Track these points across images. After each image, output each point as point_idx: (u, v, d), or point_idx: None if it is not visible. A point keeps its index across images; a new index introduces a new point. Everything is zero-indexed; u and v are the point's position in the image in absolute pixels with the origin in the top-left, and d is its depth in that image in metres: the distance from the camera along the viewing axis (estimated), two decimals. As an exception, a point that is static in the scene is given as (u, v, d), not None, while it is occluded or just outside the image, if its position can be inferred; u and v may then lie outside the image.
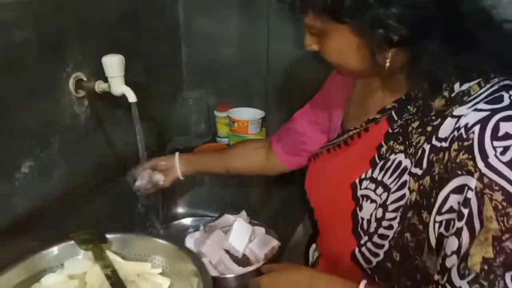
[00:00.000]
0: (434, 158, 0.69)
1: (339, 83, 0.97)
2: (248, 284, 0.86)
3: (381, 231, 0.77)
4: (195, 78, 1.65)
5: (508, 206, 0.60)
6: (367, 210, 0.79)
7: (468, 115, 0.66)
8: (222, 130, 1.61)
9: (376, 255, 0.78)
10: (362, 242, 0.80)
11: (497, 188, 0.61)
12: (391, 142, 0.78)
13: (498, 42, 0.72)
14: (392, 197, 0.76)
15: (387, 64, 0.73)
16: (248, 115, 1.52)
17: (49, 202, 1.14)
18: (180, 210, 1.44)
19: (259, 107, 1.55)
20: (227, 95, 1.62)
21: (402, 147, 0.76)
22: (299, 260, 1.11)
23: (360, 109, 0.89)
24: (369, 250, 0.79)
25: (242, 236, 0.98)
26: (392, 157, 0.77)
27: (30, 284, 0.84)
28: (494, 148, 0.62)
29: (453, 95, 0.71)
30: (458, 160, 0.65)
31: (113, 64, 1.06)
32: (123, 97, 1.09)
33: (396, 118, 0.79)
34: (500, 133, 0.62)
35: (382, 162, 0.79)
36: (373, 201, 0.79)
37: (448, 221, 0.66)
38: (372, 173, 0.80)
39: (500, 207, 0.60)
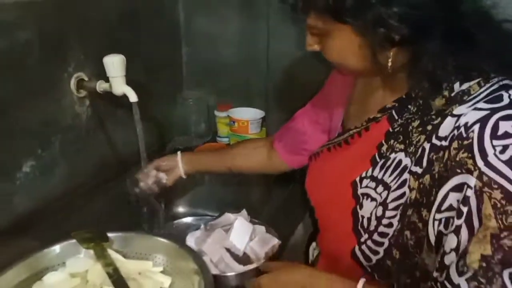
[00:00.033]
0: (434, 156, 0.70)
1: (340, 83, 0.97)
2: (248, 284, 0.86)
3: (381, 229, 0.78)
4: (195, 78, 1.65)
5: (507, 204, 0.60)
6: (368, 208, 0.80)
7: (468, 114, 0.67)
8: (222, 130, 1.62)
9: (376, 253, 0.79)
10: (362, 240, 0.80)
11: (496, 186, 0.61)
12: (392, 141, 0.79)
13: (498, 42, 0.73)
14: (392, 195, 0.76)
15: (389, 64, 0.73)
16: (248, 115, 1.52)
17: (50, 202, 1.15)
18: (181, 209, 1.44)
19: (259, 107, 1.56)
20: (227, 95, 1.62)
21: (402, 146, 0.77)
22: (299, 259, 1.12)
23: (360, 108, 0.90)
24: (369, 248, 0.79)
25: (242, 235, 0.98)
26: (393, 155, 0.78)
27: (32, 282, 0.84)
28: (494, 147, 0.62)
29: (453, 94, 0.72)
30: (457, 159, 0.65)
31: (114, 64, 1.07)
32: (124, 97, 1.10)
33: (396, 117, 0.80)
34: (500, 132, 0.63)
35: (382, 160, 0.79)
36: (373, 199, 0.79)
37: (447, 219, 0.66)
38: (372, 171, 0.80)
39: (499, 205, 0.61)
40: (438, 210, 0.68)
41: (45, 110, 1.10)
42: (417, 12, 0.67)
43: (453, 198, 0.66)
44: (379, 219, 0.78)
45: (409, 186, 0.74)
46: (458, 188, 0.65)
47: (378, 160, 0.80)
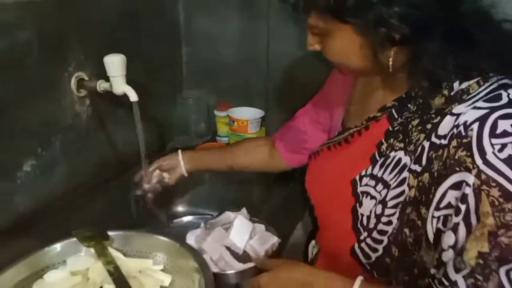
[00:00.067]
0: (433, 155, 0.70)
1: (340, 82, 0.98)
2: (247, 283, 0.87)
3: (380, 227, 0.78)
4: (195, 78, 1.66)
5: (504, 202, 0.61)
6: (367, 206, 0.80)
7: (467, 113, 0.67)
8: (222, 130, 1.62)
9: (375, 250, 0.79)
10: (362, 238, 0.80)
11: (494, 184, 0.62)
12: (391, 140, 0.79)
13: (497, 42, 0.73)
14: (392, 193, 0.77)
15: (390, 63, 0.74)
16: (247, 115, 1.53)
17: (51, 201, 1.15)
18: (181, 208, 1.44)
19: (259, 107, 1.56)
20: (227, 95, 1.62)
21: (402, 145, 0.77)
22: (298, 257, 1.12)
23: (360, 107, 0.90)
24: (368, 245, 0.80)
25: (242, 233, 0.99)
26: (392, 154, 0.78)
27: (33, 280, 0.84)
28: (492, 145, 0.63)
29: (452, 93, 0.72)
30: (456, 157, 0.65)
31: (114, 63, 1.07)
32: (124, 96, 1.10)
33: (396, 116, 0.80)
34: (498, 131, 0.63)
35: (382, 159, 0.80)
36: (373, 197, 0.80)
37: (445, 217, 0.67)
38: (372, 170, 0.81)
39: (496, 203, 0.61)
40: (437, 208, 0.68)
41: (46, 109, 1.10)
42: (417, 11, 0.67)
43: (452, 196, 0.66)
44: (378, 217, 0.78)
45: (408, 184, 0.75)
46: (457, 186, 0.65)
47: (378, 158, 0.81)
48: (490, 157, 0.62)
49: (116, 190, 1.30)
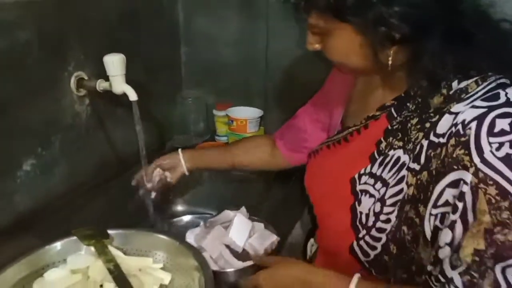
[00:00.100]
0: (432, 153, 0.71)
1: (340, 82, 0.99)
2: (245, 280, 0.87)
3: (379, 224, 0.78)
4: (194, 78, 1.66)
5: (501, 200, 0.61)
6: (366, 204, 0.81)
7: (466, 111, 0.68)
8: (221, 129, 1.62)
9: (373, 248, 0.80)
10: (360, 235, 0.81)
11: (491, 182, 0.62)
12: (390, 138, 0.80)
13: (496, 41, 0.74)
14: (390, 191, 0.77)
15: (390, 62, 0.74)
16: (246, 114, 1.53)
17: (51, 200, 1.15)
18: (180, 208, 1.44)
19: (258, 106, 1.57)
20: (227, 95, 1.63)
21: (401, 143, 0.78)
22: (297, 255, 1.12)
23: (360, 106, 0.91)
24: (367, 243, 0.80)
25: (242, 231, 0.99)
26: (391, 152, 0.79)
27: (34, 279, 0.85)
28: (490, 144, 0.63)
29: (451, 92, 0.73)
30: (454, 155, 0.66)
31: (114, 63, 1.07)
32: (124, 96, 1.10)
33: (395, 115, 0.81)
34: (496, 130, 0.64)
35: (381, 157, 0.80)
36: (371, 195, 0.80)
37: (443, 214, 0.68)
38: (371, 168, 0.81)
39: (493, 201, 0.62)
40: (434, 206, 0.69)
41: (45, 109, 1.10)
42: (417, 11, 0.68)
43: (449, 194, 0.67)
44: (377, 215, 0.79)
45: (407, 183, 0.75)
46: (455, 184, 0.66)
47: (377, 157, 0.81)
48: (487, 155, 0.63)
49: (116, 189, 1.30)
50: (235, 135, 1.53)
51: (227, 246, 0.98)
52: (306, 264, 0.88)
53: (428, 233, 0.70)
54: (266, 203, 1.25)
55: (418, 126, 0.75)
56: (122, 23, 1.31)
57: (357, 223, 0.81)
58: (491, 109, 0.66)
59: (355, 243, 0.82)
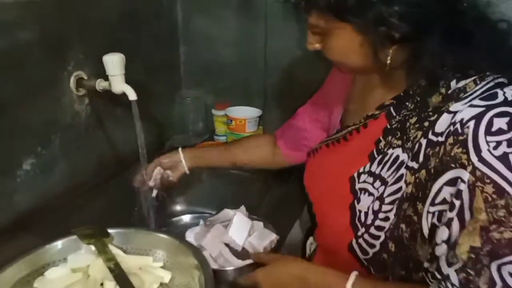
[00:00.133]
0: (430, 152, 0.71)
1: (339, 81, 0.99)
2: (244, 278, 0.88)
3: (378, 222, 0.79)
4: (193, 78, 1.67)
5: (497, 198, 0.62)
6: (365, 203, 0.81)
7: (464, 110, 0.68)
8: (220, 129, 1.63)
9: (372, 246, 0.80)
10: (359, 234, 0.81)
11: (488, 181, 0.62)
12: (389, 137, 0.80)
13: (494, 41, 0.74)
14: (389, 190, 0.78)
15: (388, 61, 0.75)
16: (245, 114, 1.54)
17: (51, 200, 1.15)
18: (179, 207, 1.45)
19: (257, 106, 1.57)
20: (226, 95, 1.63)
21: (399, 142, 0.78)
22: (296, 254, 1.13)
23: (359, 105, 0.91)
24: (366, 241, 0.81)
25: (241, 230, 1.00)
26: (390, 151, 0.79)
27: (34, 277, 0.85)
28: (488, 142, 0.64)
29: (449, 91, 0.73)
30: (452, 154, 0.66)
31: (114, 62, 1.08)
32: (123, 95, 1.10)
33: (394, 114, 0.81)
34: (494, 129, 0.64)
35: (380, 156, 0.81)
36: (370, 194, 0.81)
37: (440, 212, 0.68)
38: (370, 167, 0.82)
39: (490, 199, 0.62)
40: (432, 203, 0.69)
41: (45, 108, 1.11)
42: (417, 10, 0.69)
43: (447, 192, 0.67)
44: (375, 213, 0.79)
45: (405, 181, 0.75)
46: (452, 182, 0.66)
47: (376, 155, 0.82)
48: (485, 154, 0.63)
49: (116, 188, 1.30)
50: (234, 134, 1.54)
51: (227, 245, 0.99)
52: (304, 262, 0.88)
53: (426, 231, 0.70)
54: (265, 202, 1.25)
55: (417, 125, 0.76)
56: (121, 23, 1.31)
57: (356, 221, 0.82)
58: (489, 108, 0.66)
59: (354, 241, 0.82)
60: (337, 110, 0.99)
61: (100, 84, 1.14)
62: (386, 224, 0.78)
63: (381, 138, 0.82)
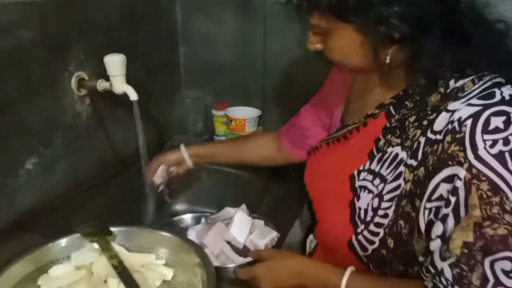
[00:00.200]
0: (429, 150, 0.72)
1: (339, 81, 1.00)
2: (242, 272, 0.89)
3: (377, 219, 0.80)
4: (192, 78, 1.67)
5: (492, 195, 0.63)
6: (364, 200, 0.82)
7: (462, 109, 0.69)
8: (220, 129, 1.63)
9: (372, 242, 0.81)
10: (359, 230, 0.82)
11: (484, 178, 0.64)
12: (389, 136, 0.82)
13: (491, 41, 0.76)
14: (388, 187, 0.79)
15: (387, 61, 0.76)
16: (245, 114, 1.54)
17: (52, 199, 1.16)
18: (179, 207, 1.46)
19: (256, 106, 1.58)
20: (225, 95, 1.64)
21: (399, 140, 0.80)
22: (297, 251, 1.14)
23: (359, 105, 0.92)
24: (365, 238, 0.81)
25: (243, 228, 1.00)
26: (390, 149, 0.81)
27: (38, 275, 0.86)
28: (484, 141, 0.65)
29: (448, 91, 0.74)
30: (450, 151, 0.68)
31: (115, 63, 1.09)
32: (124, 95, 1.11)
33: (394, 113, 0.82)
34: (491, 127, 0.66)
35: (379, 154, 0.82)
36: (370, 191, 0.82)
37: (437, 208, 0.69)
38: (370, 165, 0.83)
39: (485, 196, 0.63)
40: (429, 200, 0.70)
41: (47, 108, 1.11)
42: (417, 11, 0.70)
43: (444, 189, 0.68)
44: (375, 210, 0.80)
45: (404, 178, 0.77)
46: (449, 179, 0.67)
47: (375, 154, 0.83)
48: (481, 152, 0.64)
49: (116, 188, 1.31)
50: (233, 134, 1.54)
51: (228, 242, 0.99)
52: (302, 257, 0.90)
53: (423, 226, 0.71)
54: (266, 200, 1.26)
55: (416, 124, 0.77)
56: (121, 24, 1.32)
57: (356, 219, 0.83)
58: (486, 107, 0.67)
59: (353, 238, 0.83)
60: (337, 110, 1.00)
61: (101, 85, 1.15)
62: (385, 221, 0.79)
63: (380, 136, 0.83)
